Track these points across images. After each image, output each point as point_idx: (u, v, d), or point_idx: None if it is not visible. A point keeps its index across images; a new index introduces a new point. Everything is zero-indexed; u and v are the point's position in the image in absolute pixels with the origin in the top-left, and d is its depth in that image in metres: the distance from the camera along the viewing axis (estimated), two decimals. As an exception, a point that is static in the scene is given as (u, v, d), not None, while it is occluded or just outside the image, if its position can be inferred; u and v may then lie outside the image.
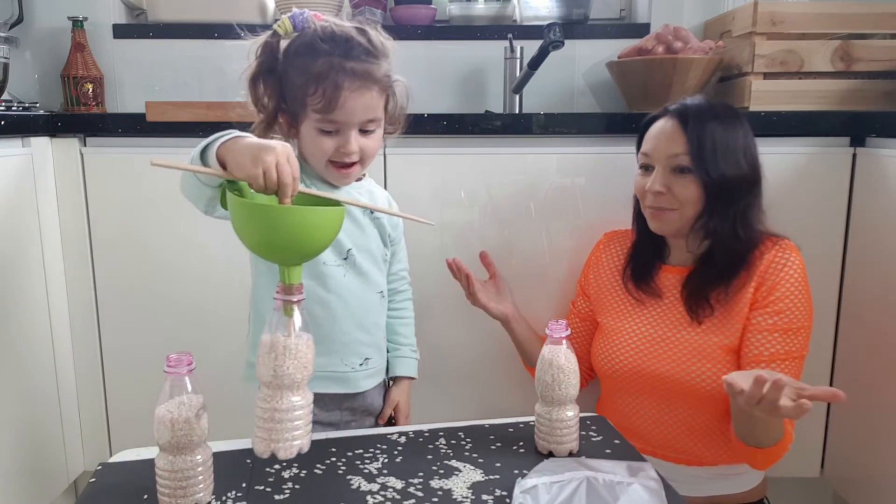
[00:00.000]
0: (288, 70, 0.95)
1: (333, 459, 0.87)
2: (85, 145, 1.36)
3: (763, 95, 1.45)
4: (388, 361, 1.14)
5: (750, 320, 1.08)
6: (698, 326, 1.11)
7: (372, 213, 1.05)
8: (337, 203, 0.83)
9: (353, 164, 0.98)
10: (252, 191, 0.76)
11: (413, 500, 0.77)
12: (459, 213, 1.37)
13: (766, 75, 1.46)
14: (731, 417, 1.06)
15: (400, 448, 0.91)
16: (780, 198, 1.26)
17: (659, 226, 1.13)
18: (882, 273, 1.25)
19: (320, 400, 1.03)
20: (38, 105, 1.55)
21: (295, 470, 0.84)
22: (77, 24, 1.68)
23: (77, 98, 1.69)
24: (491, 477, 0.83)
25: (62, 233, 1.37)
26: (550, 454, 0.88)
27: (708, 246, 1.12)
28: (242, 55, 0.97)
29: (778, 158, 1.30)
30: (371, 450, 0.90)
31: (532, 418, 0.92)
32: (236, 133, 0.80)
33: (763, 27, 1.44)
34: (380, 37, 0.97)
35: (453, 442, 0.92)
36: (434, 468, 0.85)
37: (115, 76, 1.80)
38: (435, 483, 0.81)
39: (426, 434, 0.95)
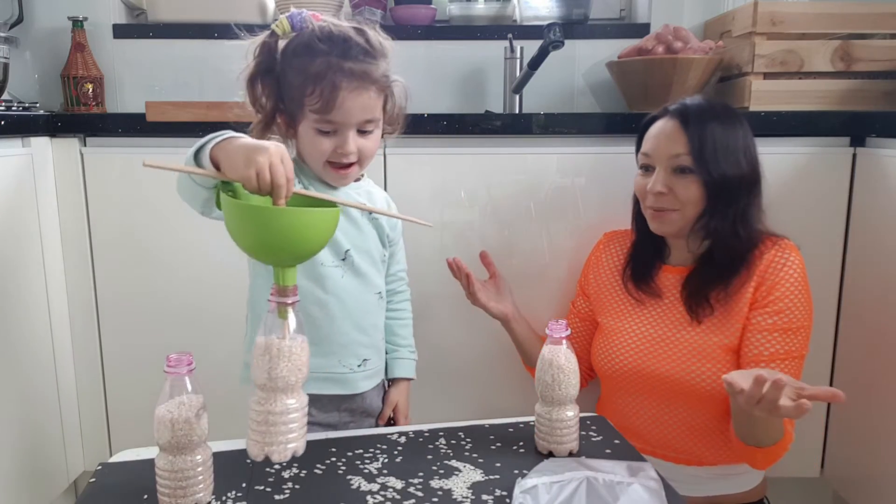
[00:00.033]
0: (286, 70, 0.95)
1: (333, 459, 0.87)
2: (85, 145, 1.36)
3: (763, 95, 1.45)
4: (386, 363, 1.14)
5: (750, 320, 1.08)
6: (698, 326, 1.11)
7: (370, 213, 1.05)
8: (332, 204, 0.82)
9: (351, 164, 0.98)
10: (246, 192, 0.76)
11: (413, 500, 0.77)
12: (459, 213, 1.37)
13: (766, 75, 1.46)
14: (730, 417, 1.06)
15: (400, 448, 0.91)
16: (780, 198, 1.26)
17: (659, 227, 1.13)
18: (882, 273, 1.25)
19: (318, 401, 1.03)
20: (38, 105, 1.55)
21: (295, 470, 0.84)
22: (77, 24, 1.68)
23: (77, 98, 1.69)
24: (491, 477, 0.83)
25: (62, 233, 1.37)
26: (550, 454, 0.88)
27: (708, 246, 1.12)
28: (241, 55, 0.96)
29: (778, 158, 1.30)
30: (371, 450, 0.90)
31: (532, 418, 0.92)
32: (230, 133, 0.80)
33: (763, 27, 1.44)
34: (378, 37, 0.97)
35: (453, 442, 0.92)
36: (434, 468, 0.85)
37: (115, 76, 1.80)
38: (435, 483, 0.81)
39: (426, 434, 0.95)
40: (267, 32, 0.95)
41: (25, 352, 1.28)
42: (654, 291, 1.17)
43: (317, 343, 1.00)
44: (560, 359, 0.88)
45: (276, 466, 0.84)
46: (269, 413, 0.72)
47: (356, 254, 1.03)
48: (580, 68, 1.85)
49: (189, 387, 0.73)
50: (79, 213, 1.36)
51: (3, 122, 1.21)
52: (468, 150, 1.35)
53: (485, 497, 0.78)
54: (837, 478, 1.41)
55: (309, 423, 1.01)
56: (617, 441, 0.93)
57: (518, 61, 1.74)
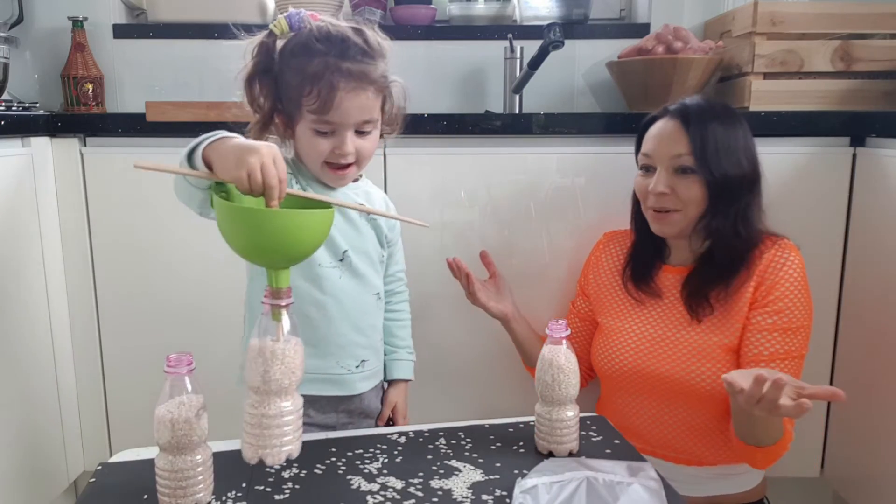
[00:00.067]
0: (283, 70, 0.95)
1: (333, 459, 0.87)
2: (85, 145, 1.36)
3: (763, 95, 1.45)
4: (384, 364, 1.13)
5: (749, 320, 1.08)
6: (698, 326, 1.11)
7: (368, 213, 1.05)
8: (327, 205, 0.81)
9: (348, 165, 0.97)
10: (240, 193, 0.75)
11: (413, 500, 0.77)
12: (459, 213, 1.37)
13: (766, 75, 1.46)
14: (730, 417, 1.06)
15: (400, 448, 0.91)
16: (780, 198, 1.26)
17: (661, 228, 1.13)
18: (882, 273, 1.25)
19: (316, 402, 1.03)
20: (38, 105, 1.55)
21: (295, 470, 0.84)
22: (77, 24, 1.68)
23: (77, 98, 1.69)
24: (491, 477, 0.83)
25: (62, 233, 1.37)
26: (550, 454, 0.88)
27: (708, 245, 1.13)
28: (239, 55, 0.96)
29: (778, 158, 1.30)
30: (371, 450, 0.90)
31: (532, 418, 0.92)
32: (223, 133, 0.79)
33: (763, 27, 1.44)
34: (377, 37, 0.97)
35: (453, 442, 0.92)
36: (434, 468, 0.85)
37: (115, 76, 1.80)
38: (435, 483, 0.81)
39: (426, 434, 0.95)
40: (265, 32, 0.95)
41: (25, 352, 1.28)
42: (654, 291, 1.17)
43: (314, 344, 1.00)
44: (560, 359, 0.88)
45: (277, 466, 0.84)
46: (262, 416, 0.72)
47: (354, 254, 1.02)
48: (580, 68, 1.85)
49: (189, 387, 0.73)
50: (79, 213, 1.36)
51: (3, 122, 1.21)
52: (468, 150, 1.35)
53: (485, 497, 0.78)
54: (837, 478, 1.41)
55: (307, 424, 1.02)
56: (617, 441, 0.93)
57: (518, 61, 1.74)
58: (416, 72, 1.81)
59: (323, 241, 0.79)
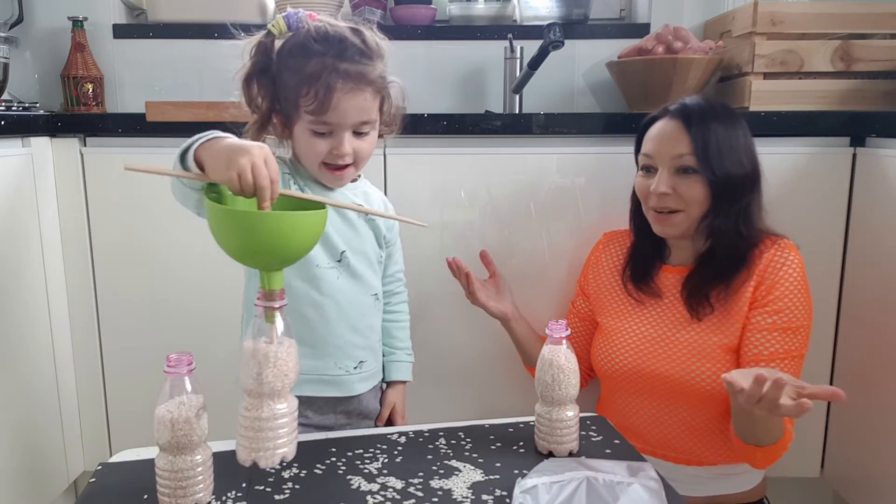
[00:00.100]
0: (281, 71, 0.94)
1: (333, 459, 0.87)
2: (85, 145, 1.36)
3: (763, 95, 1.45)
4: (383, 365, 1.13)
5: (749, 319, 1.08)
6: (698, 326, 1.11)
7: (366, 214, 1.04)
8: (320, 205, 0.80)
9: (346, 166, 0.97)
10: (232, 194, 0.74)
11: (413, 500, 0.77)
12: (459, 213, 1.37)
13: (766, 75, 1.46)
14: (730, 416, 1.06)
15: (400, 448, 0.91)
16: (780, 198, 1.26)
17: (664, 229, 1.13)
18: (882, 273, 1.25)
19: (314, 403, 1.03)
20: (38, 105, 1.55)
21: (295, 470, 0.84)
22: (77, 24, 1.68)
23: (77, 98, 1.69)
24: (491, 477, 0.83)
25: (62, 233, 1.37)
26: (550, 454, 0.88)
27: (708, 245, 1.13)
28: (237, 55, 0.96)
29: (778, 158, 1.30)
30: (371, 450, 0.90)
31: (532, 418, 0.92)
32: (216, 134, 0.78)
33: (763, 27, 1.44)
34: (375, 37, 0.96)
35: (453, 442, 0.92)
36: (434, 468, 0.85)
37: (115, 76, 1.80)
38: (435, 483, 0.81)
39: (426, 434, 0.95)
40: (263, 32, 0.95)
41: (25, 352, 1.28)
42: (654, 291, 1.17)
43: (312, 345, 1.00)
44: (560, 359, 0.87)
45: (277, 466, 0.84)
46: (256, 419, 0.72)
47: (352, 255, 1.02)
48: (580, 68, 1.85)
49: (189, 387, 0.72)
50: (79, 213, 1.36)
51: (3, 122, 1.21)
52: (468, 150, 1.35)
53: (485, 497, 0.78)
54: (837, 478, 1.41)
55: (305, 425, 1.02)
56: (617, 441, 0.93)
57: (518, 61, 1.74)
58: (416, 72, 1.81)
59: (316, 242, 0.78)
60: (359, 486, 0.80)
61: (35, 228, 1.30)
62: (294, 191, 0.96)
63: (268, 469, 0.82)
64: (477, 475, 0.83)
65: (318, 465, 0.85)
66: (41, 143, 1.32)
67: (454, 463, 0.86)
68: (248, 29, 0.97)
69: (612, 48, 1.73)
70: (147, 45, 1.80)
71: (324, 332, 1.01)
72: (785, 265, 1.08)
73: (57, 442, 1.37)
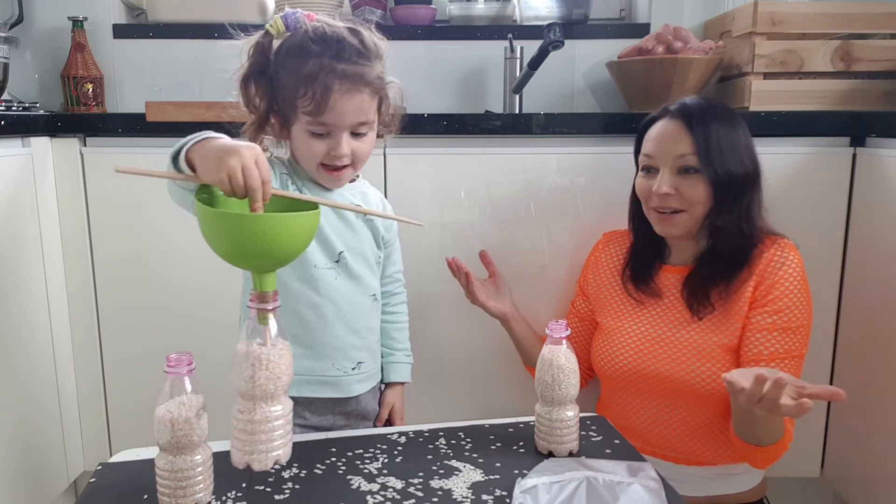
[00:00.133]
0: (279, 71, 0.94)
1: (333, 459, 0.87)
2: (85, 145, 1.36)
3: (763, 95, 1.45)
4: (382, 366, 1.13)
5: (749, 319, 1.08)
6: (698, 325, 1.11)
7: (365, 214, 1.04)
8: (314, 206, 0.79)
9: (344, 166, 0.96)
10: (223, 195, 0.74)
11: (413, 500, 0.77)
12: (459, 213, 1.37)
13: (766, 75, 1.46)
14: (730, 416, 1.06)
15: (400, 448, 0.91)
16: (780, 198, 1.26)
17: (666, 229, 1.13)
18: (882, 273, 1.25)
19: (312, 404, 1.03)
20: (38, 105, 1.55)
21: (295, 470, 0.84)
22: (77, 24, 1.68)
23: (77, 98, 1.69)
24: (491, 477, 0.83)
25: (62, 233, 1.37)
26: (550, 454, 0.88)
27: (708, 244, 1.13)
28: (237, 55, 0.95)
29: (778, 158, 1.31)
30: (371, 450, 0.90)
31: (532, 418, 0.92)
32: (208, 134, 0.78)
33: (763, 27, 1.44)
34: (373, 37, 0.95)
35: (453, 442, 0.92)
36: (434, 468, 0.85)
37: (115, 76, 1.80)
38: (435, 483, 0.81)
39: (426, 434, 0.95)
40: (261, 32, 0.94)
41: (25, 352, 1.28)
42: (654, 292, 1.17)
43: (309, 346, 1.00)
44: (560, 359, 0.87)
45: (277, 466, 0.84)
46: (249, 421, 0.71)
47: (350, 256, 1.02)
48: (580, 68, 1.85)
49: (189, 387, 0.72)
50: (79, 213, 1.36)
51: (3, 122, 1.21)
52: (468, 150, 1.35)
53: (485, 497, 0.78)
54: (837, 478, 1.41)
55: (303, 426, 1.02)
56: (617, 441, 0.93)
57: (518, 61, 1.74)
58: (416, 72, 1.81)
59: (309, 243, 0.77)
60: (359, 486, 0.80)
61: (35, 228, 1.30)
62: (288, 191, 0.95)
63: (263, 470, 0.81)
64: (477, 475, 0.83)
65: (318, 465, 0.85)
66: (41, 143, 1.32)
67: (454, 463, 0.86)
68: (246, 29, 0.97)
69: (612, 48, 1.73)
70: (147, 45, 1.80)
71: (322, 333, 1.01)
72: (784, 265, 1.08)
73: (57, 442, 1.37)
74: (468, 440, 0.93)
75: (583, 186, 1.36)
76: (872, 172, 1.28)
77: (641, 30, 1.79)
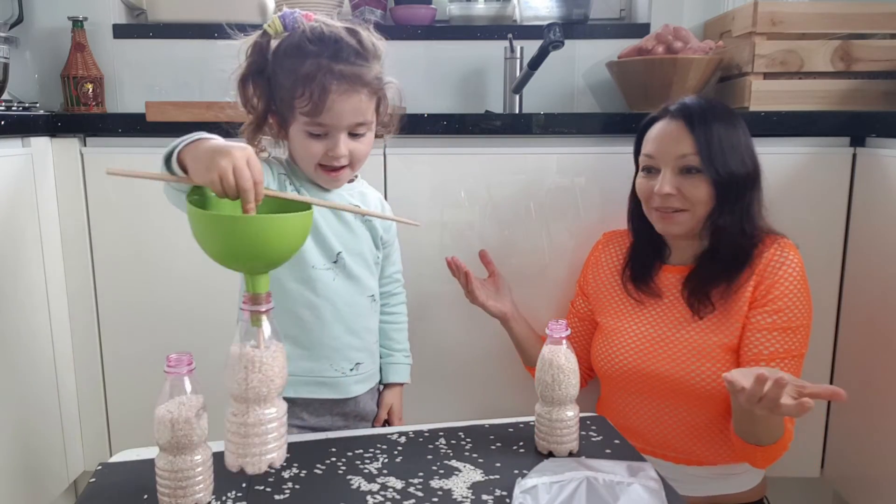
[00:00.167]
0: (276, 71, 0.94)
1: (333, 459, 0.87)
2: (85, 145, 1.36)
3: (763, 95, 1.45)
4: (381, 367, 1.13)
5: (749, 319, 1.08)
6: (698, 325, 1.11)
7: (363, 215, 1.04)
8: (307, 206, 0.79)
9: (342, 167, 0.96)
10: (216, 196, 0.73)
11: (413, 500, 0.77)
12: (459, 213, 1.37)
13: (766, 75, 1.46)
14: (730, 416, 1.06)
15: (400, 448, 0.91)
16: (780, 197, 1.26)
17: (667, 228, 1.13)
18: (882, 273, 1.25)
19: (310, 405, 1.02)
20: (38, 105, 1.55)
21: (295, 470, 0.84)
22: (77, 24, 1.68)
23: (77, 98, 1.69)
24: (491, 477, 0.83)
25: (62, 233, 1.37)
26: (550, 454, 0.88)
27: (709, 244, 1.13)
28: (235, 55, 0.95)
29: (778, 158, 1.31)
30: (371, 450, 0.90)
31: (532, 418, 0.92)
32: (201, 135, 0.77)
33: (763, 27, 1.44)
34: (371, 37, 0.95)
35: (453, 442, 0.92)
36: (434, 468, 0.85)
37: (115, 76, 1.80)
38: (435, 483, 0.81)
39: (426, 434, 0.95)
40: (259, 32, 0.94)
41: (25, 352, 1.28)
42: (654, 291, 1.17)
43: (308, 347, 1.00)
44: (560, 359, 0.87)
45: (265, 471, 0.83)
46: (242, 424, 0.71)
47: (348, 256, 1.01)
48: (580, 68, 1.85)
49: (189, 387, 0.72)
50: (79, 213, 1.36)
51: (3, 122, 1.21)
52: (468, 150, 1.35)
53: (485, 497, 0.78)
54: (837, 478, 1.41)
55: (301, 427, 1.02)
56: (617, 441, 0.93)
57: (518, 61, 1.74)
58: (416, 72, 1.81)
59: (302, 244, 0.76)
60: (359, 486, 0.80)
61: (35, 228, 1.30)
62: (281, 191, 0.95)
63: (259, 473, 0.81)
64: (477, 475, 0.83)
65: (318, 465, 0.85)
66: (41, 143, 1.32)
67: (454, 463, 0.86)
68: (245, 29, 0.96)
69: (612, 48, 1.73)
70: (147, 45, 1.80)
71: (319, 334, 1.00)
72: (784, 265, 1.08)
73: (57, 442, 1.37)
74: (468, 440, 0.93)
75: (583, 186, 1.36)
76: (872, 172, 1.28)
77: (641, 30, 1.79)
